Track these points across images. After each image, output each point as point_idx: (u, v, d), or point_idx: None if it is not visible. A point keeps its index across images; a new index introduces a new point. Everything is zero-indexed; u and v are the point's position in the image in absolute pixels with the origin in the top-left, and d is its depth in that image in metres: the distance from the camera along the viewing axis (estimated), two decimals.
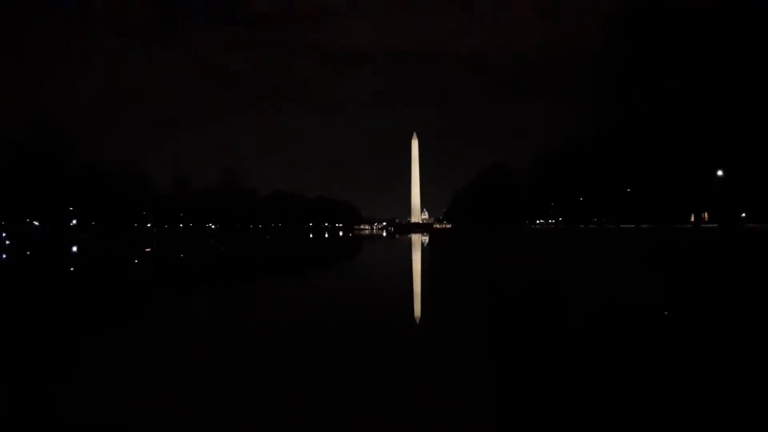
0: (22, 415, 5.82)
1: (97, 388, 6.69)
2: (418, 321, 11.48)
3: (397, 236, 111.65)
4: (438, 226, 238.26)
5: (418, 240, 78.85)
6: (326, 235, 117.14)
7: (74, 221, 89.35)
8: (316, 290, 18.01)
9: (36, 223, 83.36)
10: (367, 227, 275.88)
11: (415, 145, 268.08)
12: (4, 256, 39.24)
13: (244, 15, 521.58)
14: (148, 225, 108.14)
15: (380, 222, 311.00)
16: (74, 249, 51.14)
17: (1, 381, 7.22)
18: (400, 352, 8.36)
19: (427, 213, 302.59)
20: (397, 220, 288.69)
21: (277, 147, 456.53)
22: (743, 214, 59.21)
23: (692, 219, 73.39)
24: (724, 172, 46.06)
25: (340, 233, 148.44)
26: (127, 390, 6.61)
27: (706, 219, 72.24)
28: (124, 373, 7.37)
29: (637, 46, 43.15)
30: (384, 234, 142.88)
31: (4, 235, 66.78)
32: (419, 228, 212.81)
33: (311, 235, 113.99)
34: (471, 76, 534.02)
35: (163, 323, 11.84)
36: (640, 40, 42.87)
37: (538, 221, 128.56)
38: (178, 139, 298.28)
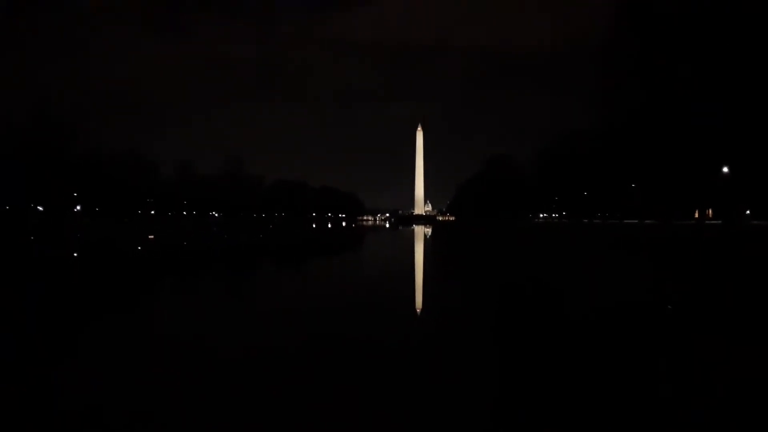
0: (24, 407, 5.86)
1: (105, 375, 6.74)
2: (418, 311, 11.51)
3: (400, 227, 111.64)
4: (441, 218, 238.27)
5: (420, 232, 78.84)
6: (329, 226, 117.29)
7: (78, 207, 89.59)
8: (314, 280, 18.04)
9: (40, 208, 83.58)
10: (370, 218, 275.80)
11: (419, 136, 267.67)
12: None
13: (250, 5, 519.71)
14: (152, 212, 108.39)
15: (383, 213, 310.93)
16: (78, 235, 51.31)
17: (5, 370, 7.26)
18: (394, 341, 8.39)
19: (430, 205, 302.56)
20: (400, 212, 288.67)
21: (281, 137, 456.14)
22: (747, 211, 58.99)
23: (696, 215, 73.18)
24: (729, 168, 45.89)
25: (343, 224, 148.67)
26: (131, 378, 6.66)
27: (710, 215, 72.02)
28: (123, 364, 7.42)
29: (643, 40, 42.89)
30: (387, 225, 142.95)
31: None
32: (422, 220, 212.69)
33: (314, 225, 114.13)
34: (476, 68, 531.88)
35: (164, 312, 11.89)
36: (646, 35, 42.60)
37: (541, 215, 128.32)
38: (182, 128, 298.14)
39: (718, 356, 7.64)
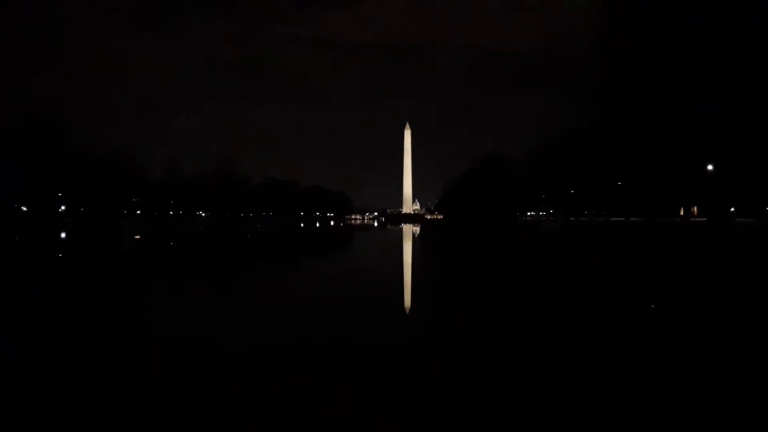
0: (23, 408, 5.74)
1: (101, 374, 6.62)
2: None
3: (389, 227, 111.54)
4: (429, 216, 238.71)
5: (409, 231, 78.83)
6: (317, 225, 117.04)
7: (63, 207, 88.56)
8: (302, 281, 17.95)
9: (24, 208, 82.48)
10: (358, 217, 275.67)
11: (407, 135, 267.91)
12: None
13: (242, 4, 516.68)
14: (138, 212, 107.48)
15: (372, 212, 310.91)
16: (63, 235, 50.76)
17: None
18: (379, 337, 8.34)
19: (418, 204, 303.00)
20: (388, 211, 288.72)
21: (272, 136, 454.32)
22: (732, 209, 59.60)
23: (681, 213, 73.90)
24: (715, 166, 46.29)
25: (332, 223, 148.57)
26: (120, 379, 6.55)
27: (695, 213, 72.75)
28: (111, 367, 7.30)
29: (633, 41, 43.13)
30: (375, 224, 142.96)
31: None
32: (410, 219, 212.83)
33: (302, 225, 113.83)
34: (469, 68, 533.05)
35: (152, 314, 11.75)
36: (636, 36, 42.84)
37: (529, 213, 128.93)
38: (172, 127, 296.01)
39: (718, 356, 7.66)
